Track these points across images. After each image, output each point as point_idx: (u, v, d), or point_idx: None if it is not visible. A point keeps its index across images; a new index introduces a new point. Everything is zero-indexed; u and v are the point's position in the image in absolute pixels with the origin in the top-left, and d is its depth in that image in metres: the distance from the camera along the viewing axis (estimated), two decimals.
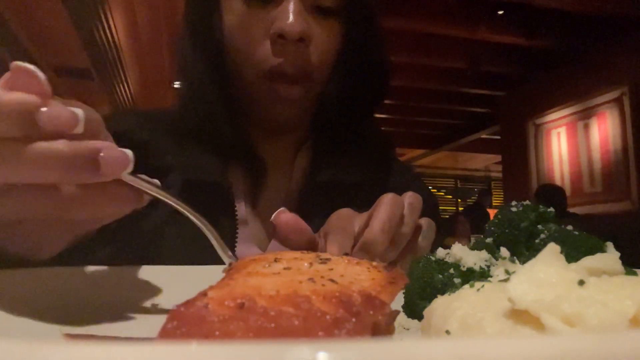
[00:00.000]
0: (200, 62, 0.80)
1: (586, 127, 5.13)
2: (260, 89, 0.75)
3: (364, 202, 0.60)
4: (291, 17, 0.69)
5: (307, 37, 0.72)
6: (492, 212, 3.92)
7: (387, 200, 0.54)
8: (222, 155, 0.80)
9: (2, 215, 0.41)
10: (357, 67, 0.82)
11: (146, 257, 0.72)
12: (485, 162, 10.08)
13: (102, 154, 0.38)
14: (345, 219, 0.57)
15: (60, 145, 0.37)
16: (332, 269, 0.31)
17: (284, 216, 0.54)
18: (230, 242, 0.76)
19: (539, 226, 0.42)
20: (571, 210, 4.67)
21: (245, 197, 0.83)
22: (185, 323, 0.22)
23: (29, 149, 0.36)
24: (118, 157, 0.39)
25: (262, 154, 0.84)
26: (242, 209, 0.81)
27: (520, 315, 0.25)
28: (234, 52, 0.77)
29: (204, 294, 0.25)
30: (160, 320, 0.22)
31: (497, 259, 0.41)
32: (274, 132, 0.86)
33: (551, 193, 4.45)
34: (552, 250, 0.28)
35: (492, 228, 0.44)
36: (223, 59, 0.79)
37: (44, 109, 0.37)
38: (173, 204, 0.47)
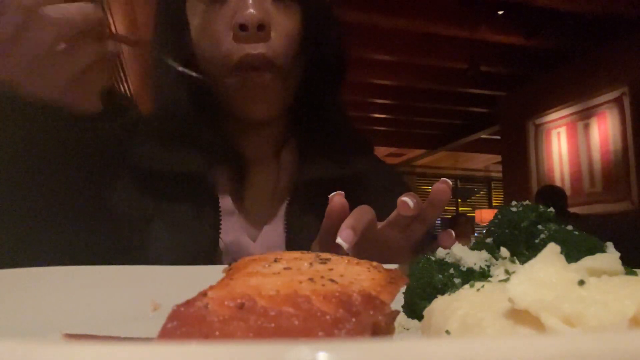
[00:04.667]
0: (172, 67, 0.82)
1: (586, 127, 5.13)
2: (231, 81, 0.77)
3: (350, 201, 0.62)
4: (250, 7, 0.72)
5: (266, 24, 0.74)
6: (492, 212, 3.92)
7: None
8: (204, 152, 0.82)
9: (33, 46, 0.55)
10: (315, 54, 0.85)
11: (133, 252, 0.74)
12: (485, 162, 10.07)
13: None
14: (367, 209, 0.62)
15: None
16: (332, 269, 0.31)
17: (338, 199, 0.61)
18: (215, 232, 0.80)
19: (539, 226, 0.42)
20: (571, 210, 4.66)
21: (231, 191, 0.86)
22: (185, 323, 0.22)
23: None
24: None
25: (242, 150, 0.87)
26: (228, 201, 0.84)
27: (520, 315, 0.25)
28: (202, 52, 0.79)
29: (204, 294, 0.25)
30: (160, 320, 0.22)
31: (497, 259, 0.41)
32: (252, 126, 0.88)
33: (552, 194, 4.46)
34: (552, 250, 0.28)
35: (492, 228, 0.44)
36: (193, 61, 0.81)
37: None
38: None
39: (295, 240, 0.82)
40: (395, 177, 1.05)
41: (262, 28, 0.73)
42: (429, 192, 0.65)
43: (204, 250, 0.78)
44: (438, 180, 0.63)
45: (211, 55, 0.77)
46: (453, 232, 0.65)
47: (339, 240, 0.54)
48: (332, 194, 0.62)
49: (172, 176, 0.79)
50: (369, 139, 1.02)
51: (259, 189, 0.88)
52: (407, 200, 0.59)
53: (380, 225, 0.64)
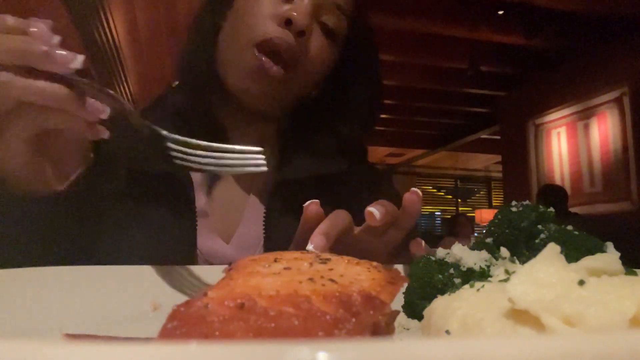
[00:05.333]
0: (200, 47, 0.83)
1: (586, 127, 5.13)
2: (247, 56, 0.77)
3: (331, 201, 0.62)
4: (302, 12, 0.74)
5: (308, 33, 0.76)
6: (492, 212, 3.92)
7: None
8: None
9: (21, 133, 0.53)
10: (348, 94, 0.89)
11: (109, 253, 0.73)
12: (485, 162, 10.07)
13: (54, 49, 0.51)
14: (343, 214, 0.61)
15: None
16: (332, 269, 0.31)
17: (313, 207, 0.60)
18: (191, 234, 0.78)
19: (539, 226, 0.42)
20: (571, 210, 4.66)
21: (205, 188, 0.85)
22: (185, 323, 0.22)
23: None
24: (66, 52, 0.52)
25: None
26: (201, 200, 0.83)
27: (520, 315, 0.25)
28: (236, 25, 0.79)
29: (204, 294, 0.25)
30: (160, 320, 0.22)
31: (497, 259, 0.41)
32: (244, 122, 0.88)
33: (553, 193, 4.46)
34: (552, 250, 0.28)
35: (492, 228, 0.44)
36: (218, 37, 0.82)
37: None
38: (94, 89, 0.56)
39: (274, 241, 0.81)
40: (381, 179, 1.04)
41: (302, 34, 0.75)
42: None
43: (181, 254, 0.77)
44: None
45: (243, 26, 0.78)
46: (423, 242, 0.65)
47: (309, 247, 0.53)
48: (308, 202, 0.61)
49: (148, 177, 0.78)
50: (360, 142, 1.01)
51: (233, 189, 0.87)
52: (373, 210, 0.58)
53: (357, 229, 0.64)
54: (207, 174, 0.84)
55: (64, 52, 0.51)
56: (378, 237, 0.64)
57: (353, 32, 0.86)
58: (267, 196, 0.85)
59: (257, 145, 0.89)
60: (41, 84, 0.51)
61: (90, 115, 0.55)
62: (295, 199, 0.73)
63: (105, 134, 0.58)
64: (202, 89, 0.83)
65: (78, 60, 0.52)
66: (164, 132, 0.62)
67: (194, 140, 0.62)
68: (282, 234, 0.80)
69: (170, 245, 0.76)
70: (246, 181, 0.88)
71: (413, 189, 0.63)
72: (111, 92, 0.55)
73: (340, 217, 0.60)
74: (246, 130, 0.89)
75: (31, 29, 0.52)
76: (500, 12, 4.37)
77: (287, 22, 0.74)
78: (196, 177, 0.84)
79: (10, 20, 0.52)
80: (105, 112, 0.55)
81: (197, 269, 0.57)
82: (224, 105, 0.86)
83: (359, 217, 0.62)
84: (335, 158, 0.90)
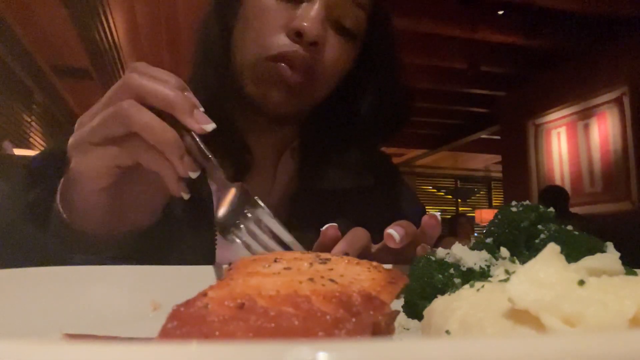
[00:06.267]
0: (211, 48, 0.81)
1: (586, 127, 5.13)
2: (262, 68, 0.75)
3: (353, 211, 0.61)
4: (312, 20, 0.72)
5: (321, 42, 0.74)
6: (492, 212, 3.92)
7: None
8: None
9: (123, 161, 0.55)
10: (370, 94, 0.86)
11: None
12: (485, 162, 10.06)
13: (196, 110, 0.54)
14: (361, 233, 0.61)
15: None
16: (332, 269, 0.31)
17: (331, 232, 0.60)
18: (210, 246, 0.76)
19: (539, 226, 0.42)
20: (572, 210, 4.67)
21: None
22: (185, 323, 0.22)
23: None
24: (205, 116, 0.55)
25: (243, 157, 0.84)
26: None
27: (520, 315, 0.25)
28: (245, 35, 0.77)
29: (204, 294, 0.25)
30: (160, 320, 0.22)
31: (497, 259, 0.41)
32: (263, 127, 0.86)
33: (555, 194, 4.47)
34: (552, 250, 0.28)
35: (492, 228, 0.44)
36: (230, 43, 0.79)
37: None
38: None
39: None
40: (405, 195, 1.00)
41: (315, 45, 0.73)
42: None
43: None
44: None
45: (253, 40, 0.75)
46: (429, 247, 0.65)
47: None
48: (326, 226, 0.60)
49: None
50: (386, 155, 0.99)
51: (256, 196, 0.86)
52: (393, 233, 0.57)
53: (374, 248, 0.63)
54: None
55: (204, 115, 0.55)
56: (395, 256, 0.63)
57: (372, 28, 0.82)
58: (285, 208, 0.83)
59: (276, 152, 0.88)
60: (154, 120, 0.52)
61: (183, 170, 0.55)
62: (314, 211, 0.71)
63: (186, 196, 0.57)
64: (218, 96, 0.81)
65: (210, 126, 0.55)
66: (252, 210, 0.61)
67: (274, 225, 0.59)
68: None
69: (189, 257, 0.74)
70: (264, 192, 0.86)
71: (432, 213, 0.62)
72: (212, 157, 0.56)
73: (358, 237, 0.59)
74: (265, 136, 0.87)
75: (187, 92, 0.55)
76: (500, 12, 4.37)
77: (298, 34, 0.72)
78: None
79: (173, 79, 0.55)
80: (197, 172, 0.56)
81: (197, 269, 0.57)
82: (241, 110, 0.84)
83: (376, 231, 0.61)
84: (361, 172, 0.87)
